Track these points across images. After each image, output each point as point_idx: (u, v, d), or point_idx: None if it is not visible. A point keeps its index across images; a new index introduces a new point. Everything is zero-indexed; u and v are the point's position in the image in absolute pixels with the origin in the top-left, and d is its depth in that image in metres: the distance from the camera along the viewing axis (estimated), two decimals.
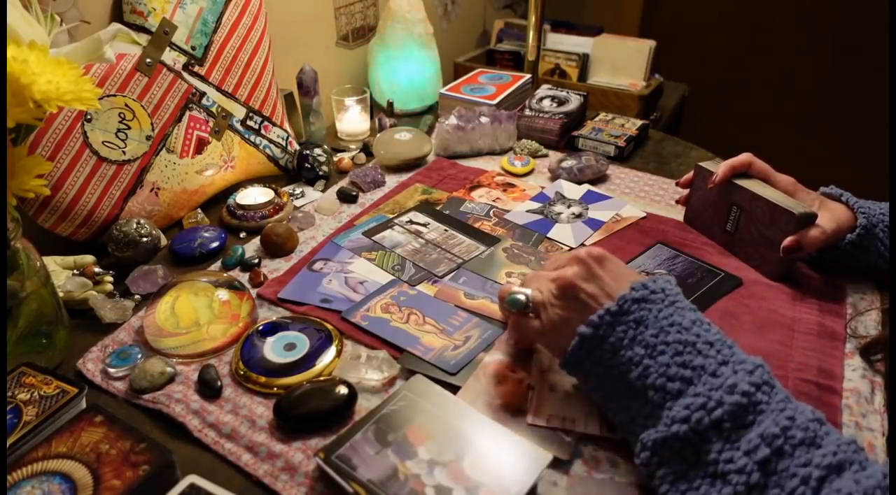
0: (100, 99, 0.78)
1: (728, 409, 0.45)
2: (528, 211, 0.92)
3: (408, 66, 1.26)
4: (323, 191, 1.00)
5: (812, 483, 0.41)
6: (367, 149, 1.11)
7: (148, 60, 0.82)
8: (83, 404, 0.56)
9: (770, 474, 0.42)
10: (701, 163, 0.82)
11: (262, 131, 0.97)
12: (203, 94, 0.89)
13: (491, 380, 0.61)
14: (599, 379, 0.52)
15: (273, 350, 0.64)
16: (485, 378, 0.61)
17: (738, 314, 0.70)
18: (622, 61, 1.44)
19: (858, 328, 0.68)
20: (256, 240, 0.85)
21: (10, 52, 0.51)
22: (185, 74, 0.87)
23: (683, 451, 0.46)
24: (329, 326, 0.68)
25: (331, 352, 0.64)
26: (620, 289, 0.53)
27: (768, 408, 0.45)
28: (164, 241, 0.84)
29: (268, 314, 0.72)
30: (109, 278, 0.75)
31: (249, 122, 0.95)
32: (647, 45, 1.41)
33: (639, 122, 1.16)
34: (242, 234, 0.88)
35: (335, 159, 1.06)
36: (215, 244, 0.83)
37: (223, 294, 0.72)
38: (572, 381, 0.60)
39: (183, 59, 0.86)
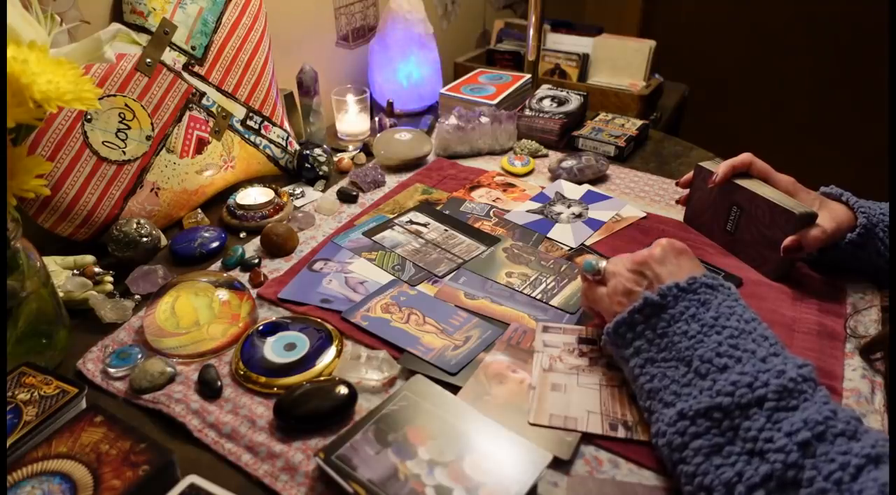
0: (100, 99, 0.78)
1: (774, 389, 0.46)
2: (528, 211, 0.92)
3: (408, 66, 1.26)
4: (323, 191, 1.00)
5: (850, 469, 0.42)
6: (367, 149, 1.11)
7: (148, 60, 0.82)
8: (83, 404, 0.56)
9: (809, 456, 0.43)
10: (701, 163, 0.82)
11: (262, 131, 0.97)
12: (203, 94, 0.89)
13: (491, 380, 0.61)
14: (647, 342, 0.55)
15: (273, 350, 0.64)
16: (485, 378, 0.61)
17: None
18: (622, 61, 1.44)
19: (858, 328, 0.68)
20: (256, 240, 0.85)
21: (10, 52, 0.51)
22: (185, 74, 0.86)
23: (723, 424, 0.47)
24: (329, 326, 0.68)
25: (331, 352, 0.64)
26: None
27: (812, 399, 0.46)
28: (164, 241, 0.84)
29: (268, 314, 0.72)
30: (109, 278, 0.75)
31: (249, 122, 0.95)
32: (647, 45, 1.41)
33: (639, 122, 1.16)
34: (242, 234, 0.88)
35: (335, 159, 1.06)
36: (215, 244, 0.83)
37: (223, 294, 0.72)
38: (573, 381, 0.60)
39: (183, 59, 0.86)
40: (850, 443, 0.43)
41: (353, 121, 1.17)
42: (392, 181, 1.02)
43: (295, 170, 1.01)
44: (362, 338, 0.67)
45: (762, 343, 0.51)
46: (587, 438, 0.55)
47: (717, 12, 2.21)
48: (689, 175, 0.85)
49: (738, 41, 2.22)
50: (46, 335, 0.64)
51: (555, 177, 1.02)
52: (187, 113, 0.87)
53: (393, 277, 0.77)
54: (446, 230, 0.87)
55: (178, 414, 0.58)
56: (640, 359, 0.55)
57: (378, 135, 1.10)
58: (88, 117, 0.77)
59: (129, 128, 0.81)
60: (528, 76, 1.33)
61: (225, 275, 0.77)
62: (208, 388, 0.60)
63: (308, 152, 0.99)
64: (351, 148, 1.15)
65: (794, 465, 0.43)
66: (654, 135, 1.20)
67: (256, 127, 0.96)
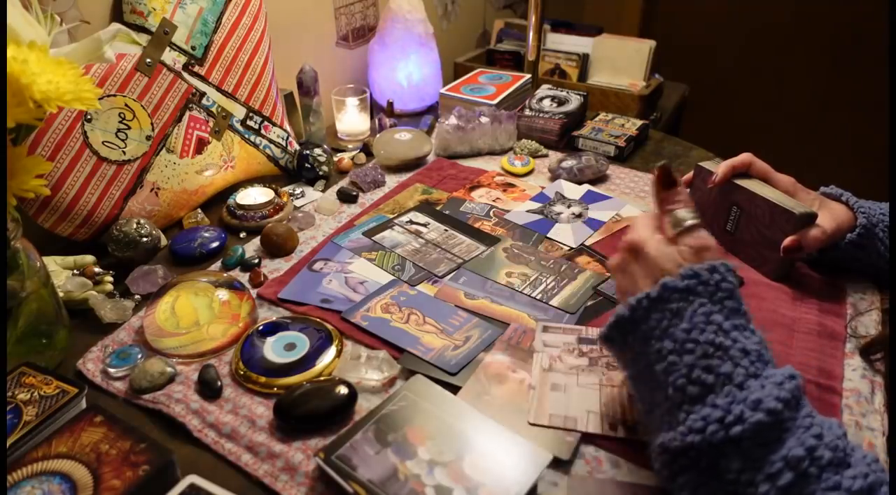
0: (100, 99, 0.78)
1: (749, 427, 0.42)
2: (528, 211, 0.92)
3: (408, 66, 1.26)
4: (323, 191, 1.00)
5: None
6: (367, 149, 1.11)
7: (148, 60, 0.82)
8: (83, 404, 0.56)
9: None
10: (701, 163, 0.82)
11: (262, 131, 0.97)
12: (203, 94, 0.89)
13: (491, 380, 0.61)
14: (631, 359, 0.50)
15: (273, 350, 0.64)
16: (485, 378, 0.61)
17: None
18: (622, 61, 1.44)
19: (858, 328, 0.68)
20: (256, 240, 0.85)
21: (10, 52, 0.51)
22: (185, 74, 0.86)
23: (701, 463, 0.44)
24: (329, 326, 0.68)
25: (331, 352, 0.64)
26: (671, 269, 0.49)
27: (794, 425, 0.42)
28: (164, 241, 0.84)
29: (268, 314, 0.72)
30: (109, 278, 0.75)
31: (249, 122, 0.95)
32: (647, 45, 1.41)
33: (639, 122, 1.16)
34: (242, 234, 0.88)
35: (335, 159, 1.06)
36: (215, 244, 0.83)
37: (223, 294, 0.72)
38: (573, 381, 0.60)
39: (183, 59, 0.86)
40: (839, 474, 0.41)
41: (353, 121, 1.17)
42: (392, 181, 1.02)
43: (295, 170, 1.01)
44: (362, 338, 0.67)
45: (741, 361, 0.45)
46: (587, 438, 0.55)
47: (717, 12, 2.21)
48: (689, 175, 0.85)
49: (738, 41, 2.22)
50: (46, 335, 0.64)
51: (555, 177, 1.02)
52: (187, 113, 0.87)
53: (393, 277, 0.77)
54: (446, 230, 0.87)
55: (178, 414, 0.58)
56: (629, 373, 0.51)
57: (378, 135, 1.10)
58: (88, 117, 0.77)
59: (129, 128, 0.81)
60: (528, 76, 1.33)
61: (225, 275, 0.77)
62: (208, 388, 0.60)
63: (308, 152, 0.99)
64: (351, 148, 1.15)
65: None
66: (654, 135, 1.20)
67: (256, 127, 0.96)
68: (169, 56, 0.84)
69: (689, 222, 0.51)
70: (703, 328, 0.46)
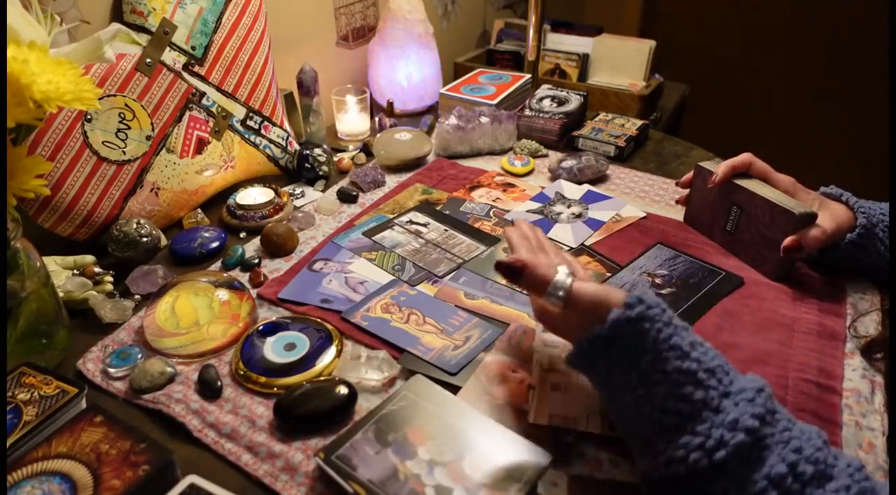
0: (100, 99, 0.78)
1: (731, 450, 0.42)
2: (528, 211, 0.92)
3: (408, 66, 1.26)
4: (323, 191, 1.00)
5: None
6: (367, 149, 1.11)
7: (148, 60, 0.82)
8: (83, 404, 0.56)
9: None
10: (701, 163, 0.82)
11: (262, 131, 0.97)
12: (203, 94, 0.89)
13: (491, 380, 0.61)
14: (600, 386, 0.51)
15: (273, 350, 0.64)
16: (485, 378, 0.61)
17: (738, 314, 0.70)
18: (622, 61, 1.44)
19: (858, 327, 0.68)
20: (256, 240, 0.85)
21: (10, 52, 0.51)
22: (185, 74, 0.86)
23: (687, 489, 0.44)
24: (329, 326, 0.68)
25: (331, 352, 0.64)
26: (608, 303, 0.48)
27: (773, 441, 0.42)
28: (164, 241, 0.84)
29: (268, 314, 0.72)
30: (109, 278, 0.75)
31: (249, 122, 0.95)
32: (647, 45, 1.41)
33: (639, 122, 1.16)
34: (242, 234, 0.88)
35: (335, 159, 1.06)
36: (215, 244, 0.83)
37: (223, 294, 0.72)
38: (573, 381, 0.60)
39: (183, 59, 0.86)
40: (822, 489, 0.41)
41: (353, 121, 1.17)
42: (392, 181, 1.02)
43: (295, 170, 1.01)
44: (362, 338, 0.67)
45: (709, 382, 0.45)
46: (587, 438, 0.55)
47: (718, 12, 2.21)
48: (689, 175, 0.85)
49: (737, 41, 2.23)
50: (46, 335, 0.64)
51: (555, 177, 1.02)
52: (187, 113, 0.87)
53: (393, 277, 0.77)
54: (446, 230, 0.87)
55: (178, 414, 0.58)
56: (603, 394, 0.51)
57: (378, 135, 1.10)
58: (88, 117, 0.77)
59: (129, 128, 0.81)
60: (528, 76, 1.33)
61: (225, 275, 0.77)
62: (208, 388, 0.60)
63: (308, 152, 0.99)
64: (351, 148, 1.15)
65: None
66: (654, 135, 1.20)
67: (256, 127, 0.96)
68: (169, 56, 0.84)
69: (564, 289, 0.50)
70: (666, 356, 0.45)
